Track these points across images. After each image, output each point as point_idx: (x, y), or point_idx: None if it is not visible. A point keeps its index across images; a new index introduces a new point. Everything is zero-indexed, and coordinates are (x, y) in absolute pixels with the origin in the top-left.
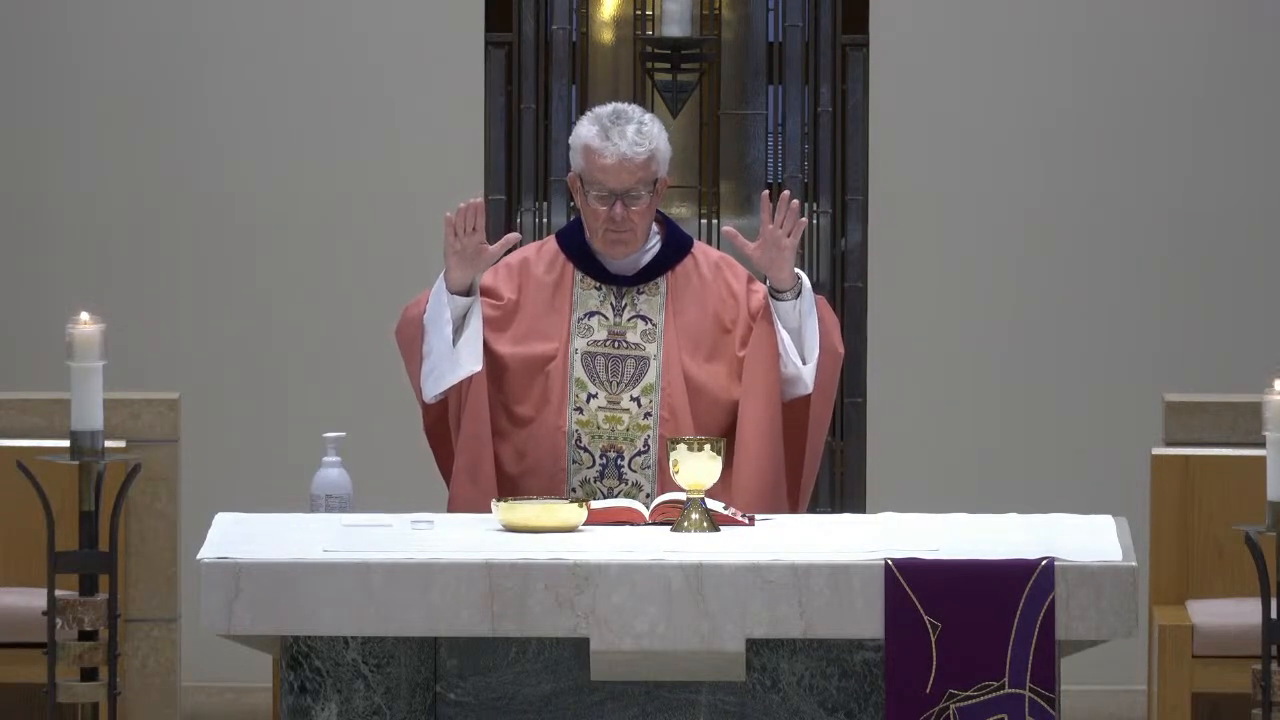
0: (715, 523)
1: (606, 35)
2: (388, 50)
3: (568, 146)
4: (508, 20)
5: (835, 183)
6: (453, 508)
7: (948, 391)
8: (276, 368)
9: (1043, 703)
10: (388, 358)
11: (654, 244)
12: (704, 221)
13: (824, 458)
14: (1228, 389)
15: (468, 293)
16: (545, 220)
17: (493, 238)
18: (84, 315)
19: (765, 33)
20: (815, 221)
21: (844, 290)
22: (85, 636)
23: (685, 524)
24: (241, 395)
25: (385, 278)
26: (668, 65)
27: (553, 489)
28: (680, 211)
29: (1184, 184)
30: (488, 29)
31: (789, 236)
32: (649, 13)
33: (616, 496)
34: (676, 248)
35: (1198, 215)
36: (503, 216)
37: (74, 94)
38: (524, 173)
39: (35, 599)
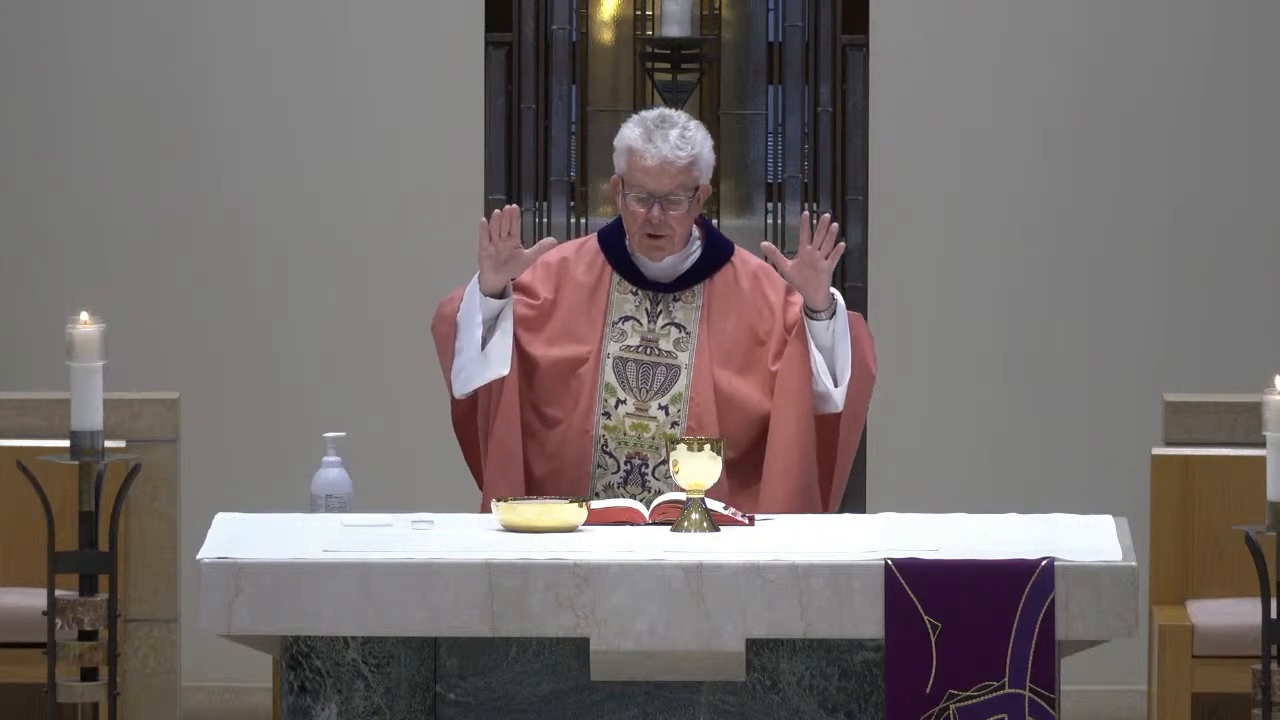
0: (715, 523)
1: (606, 35)
2: (388, 50)
3: (571, 147)
4: (508, 20)
5: (835, 183)
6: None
7: (948, 391)
8: (276, 368)
9: (1043, 703)
10: (387, 358)
11: (694, 250)
12: None
13: None
14: (1228, 389)
15: (501, 295)
16: (545, 220)
17: None
18: (84, 315)
19: (765, 33)
20: (816, 222)
21: (844, 290)
22: (85, 636)
23: (685, 524)
24: (241, 395)
25: (385, 278)
26: (668, 65)
27: (576, 492)
28: None
29: (1184, 183)
30: (488, 29)
31: (826, 259)
32: (649, 13)
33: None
34: (716, 255)
35: (1198, 215)
36: None
37: (74, 95)
38: (524, 173)
39: (35, 599)
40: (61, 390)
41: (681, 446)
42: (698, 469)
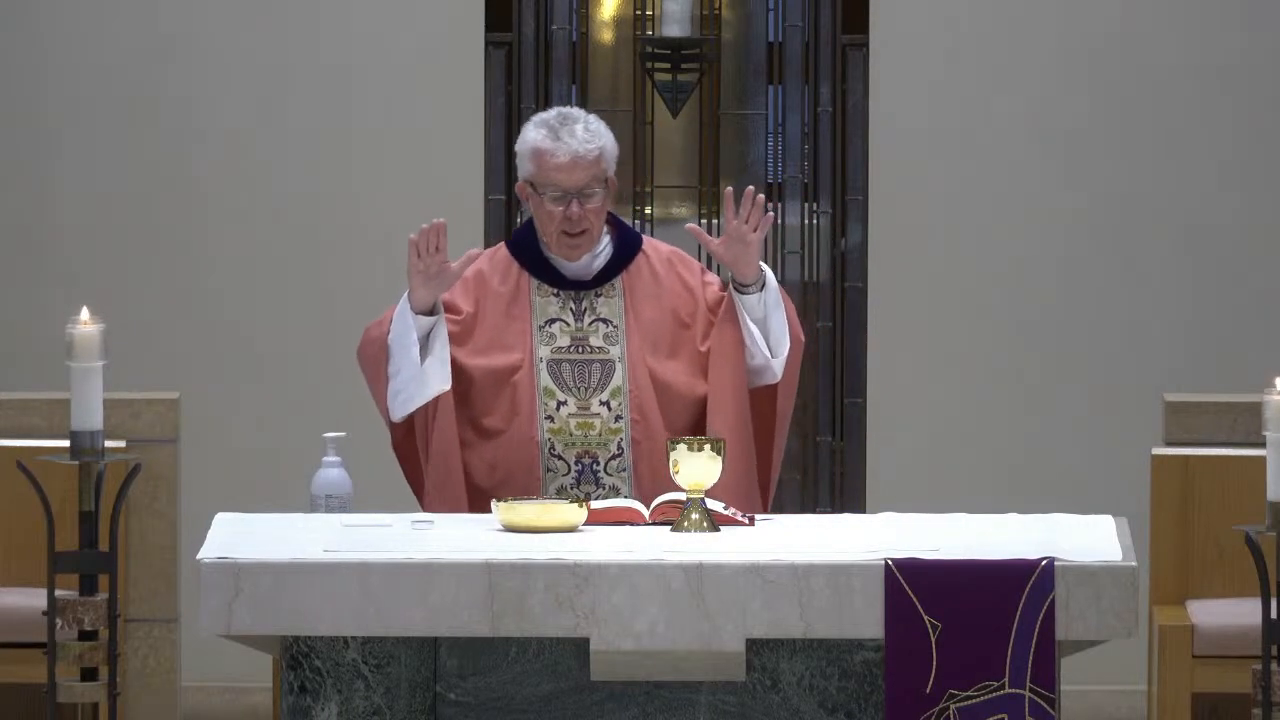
0: (715, 523)
1: (606, 35)
2: (387, 50)
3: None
4: (508, 20)
5: (835, 183)
6: None
7: (947, 391)
8: (276, 368)
9: (1043, 703)
10: None
11: (605, 246)
12: (704, 221)
13: (824, 458)
14: (1228, 389)
15: (431, 312)
16: None
17: (495, 238)
18: (84, 315)
19: (765, 33)
20: (815, 221)
21: (844, 290)
22: (85, 636)
23: (685, 524)
24: (241, 395)
25: (385, 278)
26: (668, 65)
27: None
28: (680, 211)
29: (1184, 183)
30: (488, 29)
31: (755, 231)
32: (649, 13)
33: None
34: (628, 246)
35: (1198, 215)
36: (503, 217)
37: (74, 94)
38: None
39: (35, 599)
40: (61, 390)
41: (681, 446)
42: (698, 469)
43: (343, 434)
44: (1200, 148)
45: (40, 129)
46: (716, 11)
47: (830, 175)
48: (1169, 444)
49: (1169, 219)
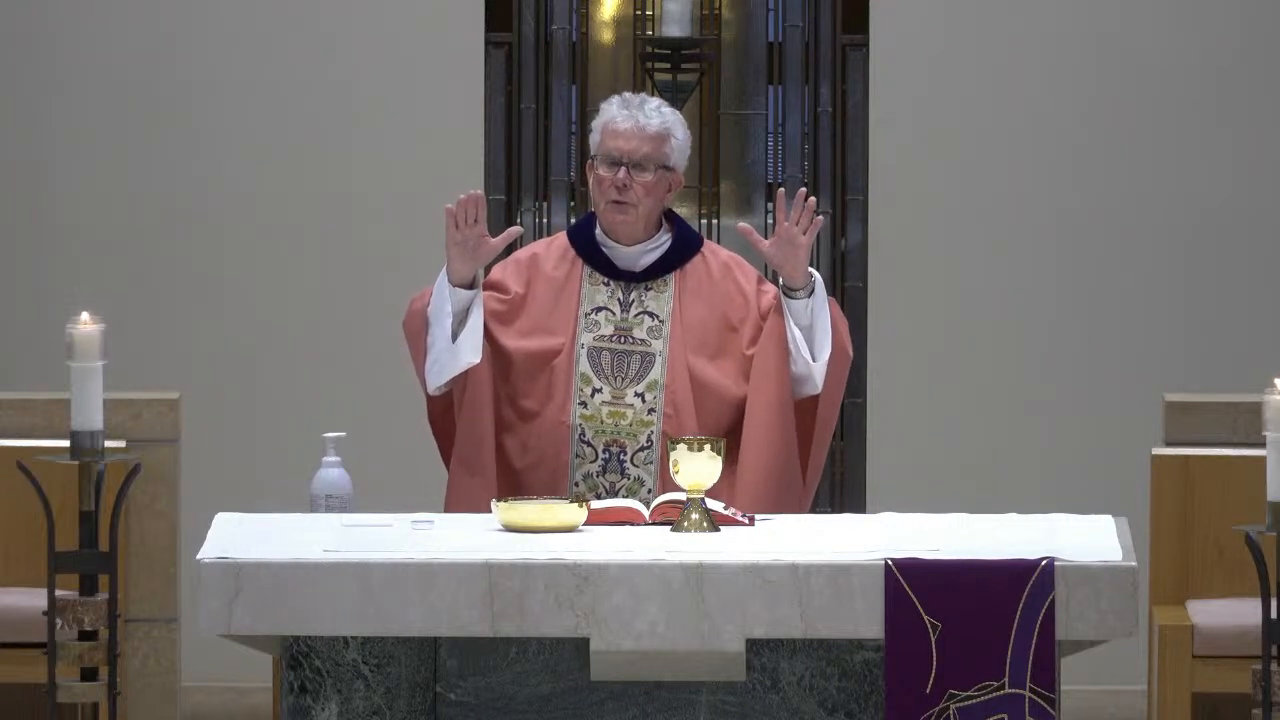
0: (715, 523)
1: (606, 35)
2: (388, 50)
3: (572, 147)
4: (508, 20)
5: (835, 183)
6: (450, 503)
7: (948, 392)
8: (276, 368)
9: (1043, 703)
10: (387, 357)
11: (663, 241)
12: (704, 221)
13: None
14: (1228, 389)
15: (470, 285)
16: (545, 220)
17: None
18: (84, 315)
19: (765, 33)
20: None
21: (844, 290)
22: (85, 636)
23: (685, 524)
24: (241, 395)
25: (385, 278)
26: (668, 65)
27: (555, 483)
28: (680, 212)
29: (1184, 183)
30: (488, 29)
31: (804, 234)
32: (649, 13)
33: (619, 491)
34: (685, 246)
35: (1198, 215)
36: (503, 217)
37: (74, 94)
38: (524, 173)
39: (35, 599)
40: (61, 390)
41: (681, 446)
42: (698, 469)
43: (343, 434)
44: (1200, 148)
45: (40, 129)
46: (716, 11)
47: (830, 175)
48: (1169, 444)
49: (1168, 219)
